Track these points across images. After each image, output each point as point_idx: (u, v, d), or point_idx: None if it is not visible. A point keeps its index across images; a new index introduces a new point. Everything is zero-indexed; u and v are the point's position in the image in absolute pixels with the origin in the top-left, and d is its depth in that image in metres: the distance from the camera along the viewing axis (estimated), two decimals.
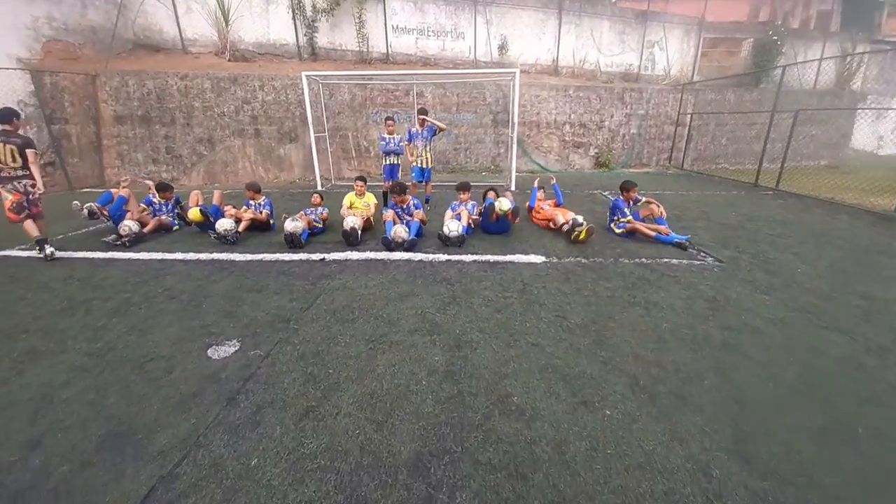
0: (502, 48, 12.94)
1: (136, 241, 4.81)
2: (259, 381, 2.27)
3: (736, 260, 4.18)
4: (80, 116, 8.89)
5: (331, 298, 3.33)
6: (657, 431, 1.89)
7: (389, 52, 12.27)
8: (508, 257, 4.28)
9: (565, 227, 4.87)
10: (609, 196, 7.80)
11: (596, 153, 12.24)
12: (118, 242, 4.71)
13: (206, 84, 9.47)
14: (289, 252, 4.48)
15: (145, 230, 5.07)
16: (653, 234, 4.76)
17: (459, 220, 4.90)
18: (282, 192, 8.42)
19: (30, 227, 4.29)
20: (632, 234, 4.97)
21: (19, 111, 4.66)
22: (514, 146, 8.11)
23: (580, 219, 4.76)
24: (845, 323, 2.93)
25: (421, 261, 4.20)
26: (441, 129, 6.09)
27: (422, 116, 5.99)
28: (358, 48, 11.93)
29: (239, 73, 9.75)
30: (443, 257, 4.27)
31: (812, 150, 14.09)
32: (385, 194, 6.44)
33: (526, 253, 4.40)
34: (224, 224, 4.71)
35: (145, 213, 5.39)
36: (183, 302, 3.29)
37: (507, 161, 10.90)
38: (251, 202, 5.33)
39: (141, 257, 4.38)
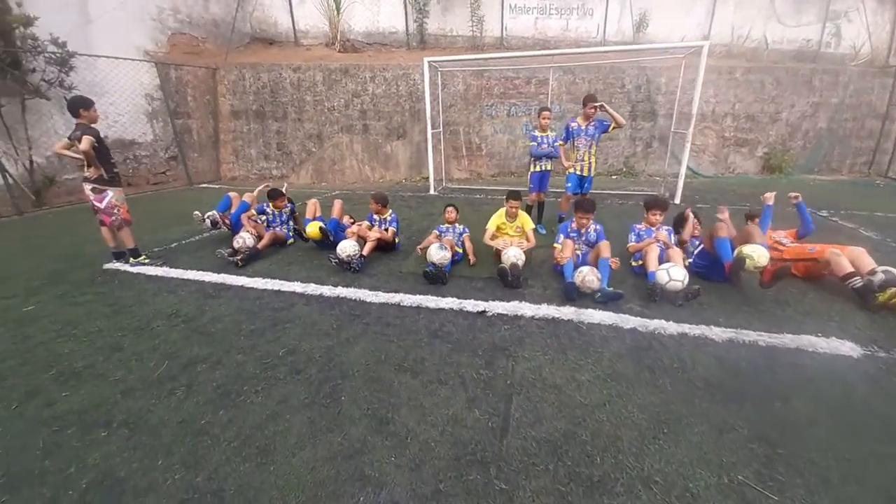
0: (640, 24, 10.73)
1: (249, 259, 4.05)
2: None
3: None
4: (201, 111, 8.89)
5: (532, 409, 2.01)
6: None
7: (504, 35, 10.82)
8: (789, 338, 2.60)
9: (856, 283, 3.01)
10: (837, 220, 5.52)
11: (766, 153, 9.55)
12: (231, 259, 3.98)
13: (318, 76, 8.93)
14: (432, 293, 3.31)
15: (259, 245, 4.31)
16: None
17: (664, 258, 3.33)
18: (391, 196, 7.48)
19: (106, 235, 3.93)
20: None
21: (91, 98, 3.72)
22: (688, 145, 6.17)
23: None
24: None
25: (635, 330, 2.72)
26: (619, 125, 4.48)
27: (593, 105, 4.42)
28: (470, 33, 10.67)
29: (350, 64, 9.07)
30: (670, 327, 2.73)
31: None
32: (529, 209, 5.05)
33: (815, 331, 2.68)
34: (347, 248, 3.70)
35: (260, 222, 4.66)
36: (312, 384, 2.22)
37: (662, 164, 8.91)
38: (375, 217, 4.30)
39: (255, 285, 3.53)
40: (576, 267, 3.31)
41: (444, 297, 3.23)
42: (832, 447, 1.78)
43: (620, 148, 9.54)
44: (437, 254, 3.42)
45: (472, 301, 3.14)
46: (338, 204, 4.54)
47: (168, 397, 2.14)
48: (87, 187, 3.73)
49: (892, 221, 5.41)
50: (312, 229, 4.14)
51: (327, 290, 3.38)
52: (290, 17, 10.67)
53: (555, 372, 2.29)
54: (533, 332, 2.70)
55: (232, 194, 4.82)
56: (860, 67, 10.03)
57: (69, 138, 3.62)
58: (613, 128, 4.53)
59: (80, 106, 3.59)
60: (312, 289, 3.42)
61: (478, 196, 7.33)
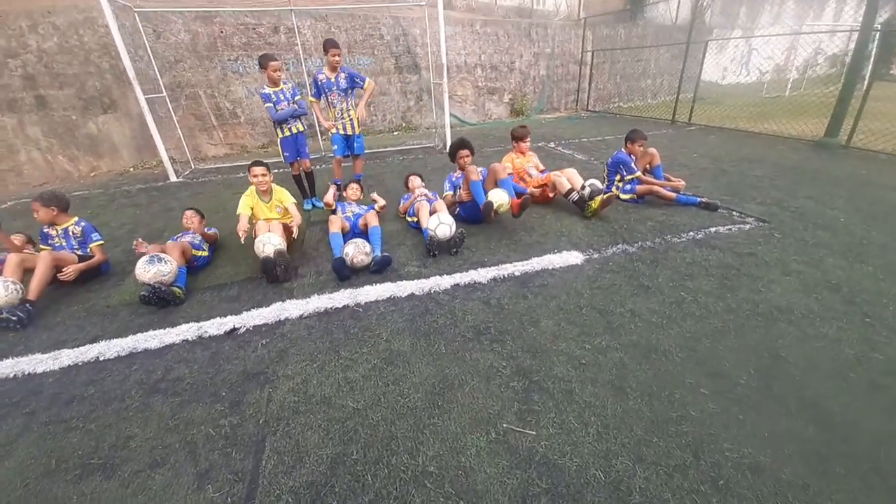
0: None
1: None
2: None
3: (776, 217, 3.53)
4: None
5: (292, 447, 1.57)
6: None
7: None
8: (535, 262, 2.91)
9: (574, 196, 3.65)
10: (560, 149, 6.85)
11: (510, 99, 11.20)
12: None
13: None
14: (157, 324, 2.37)
15: None
16: (672, 194, 3.86)
17: (433, 212, 3.30)
18: (110, 196, 5.42)
19: None
20: (641, 197, 4.02)
21: None
22: (446, 95, 6.43)
23: (599, 184, 3.60)
24: None
25: (413, 295, 2.56)
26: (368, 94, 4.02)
27: (335, 51, 3.87)
28: None
29: None
30: (444, 281, 2.69)
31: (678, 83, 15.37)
32: (299, 183, 4.33)
33: (552, 249, 3.09)
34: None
35: None
36: None
37: (433, 116, 9.17)
38: (49, 232, 2.84)
39: None
40: (348, 239, 2.95)
41: (175, 325, 2.36)
42: (570, 356, 1.99)
43: (395, 103, 9.51)
44: (147, 270, 2.44)
45: (217, 319, 2.39)
46: None
47: None
48: None
49: (594, 144, 7.10)
50: None
51: None
52: None
53: (324, 381, 1.90)
54: (300, 338, 2.22)
55: None
56: (562, 21, 12.60)
57: None
58: (368, 91, 4.08)
59: None
60: None
61: (241, 175, 6.06)
